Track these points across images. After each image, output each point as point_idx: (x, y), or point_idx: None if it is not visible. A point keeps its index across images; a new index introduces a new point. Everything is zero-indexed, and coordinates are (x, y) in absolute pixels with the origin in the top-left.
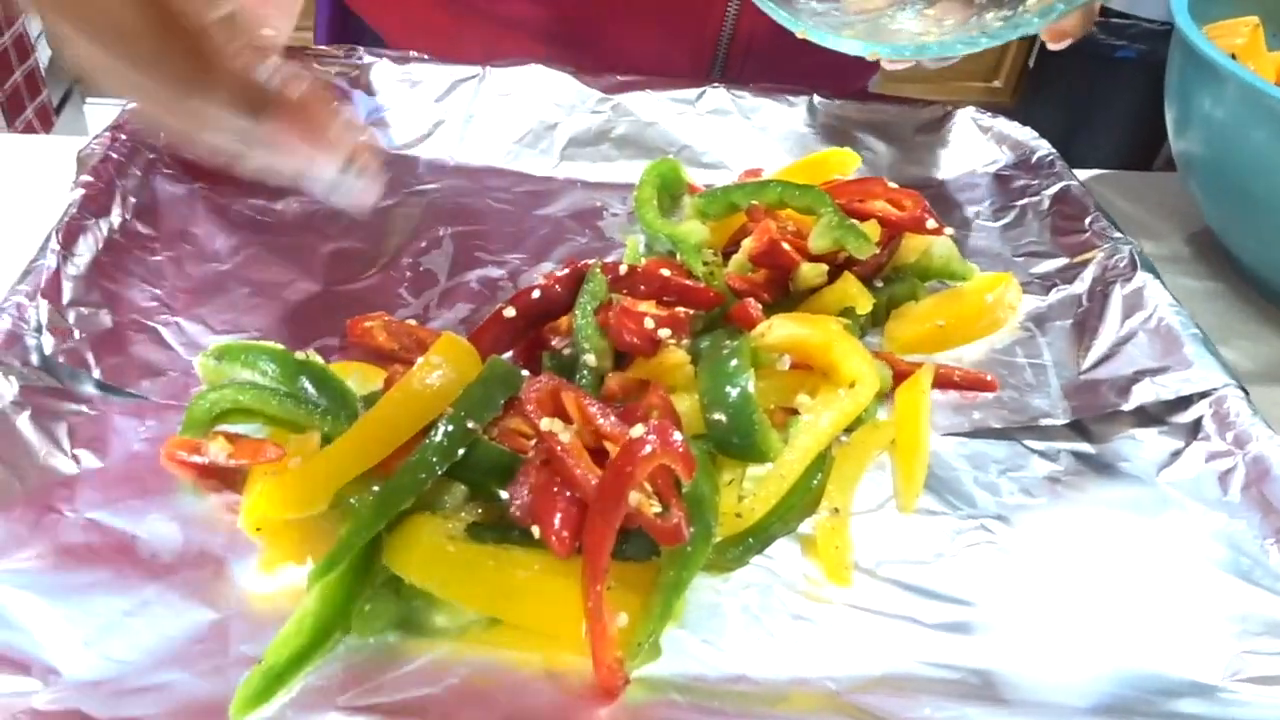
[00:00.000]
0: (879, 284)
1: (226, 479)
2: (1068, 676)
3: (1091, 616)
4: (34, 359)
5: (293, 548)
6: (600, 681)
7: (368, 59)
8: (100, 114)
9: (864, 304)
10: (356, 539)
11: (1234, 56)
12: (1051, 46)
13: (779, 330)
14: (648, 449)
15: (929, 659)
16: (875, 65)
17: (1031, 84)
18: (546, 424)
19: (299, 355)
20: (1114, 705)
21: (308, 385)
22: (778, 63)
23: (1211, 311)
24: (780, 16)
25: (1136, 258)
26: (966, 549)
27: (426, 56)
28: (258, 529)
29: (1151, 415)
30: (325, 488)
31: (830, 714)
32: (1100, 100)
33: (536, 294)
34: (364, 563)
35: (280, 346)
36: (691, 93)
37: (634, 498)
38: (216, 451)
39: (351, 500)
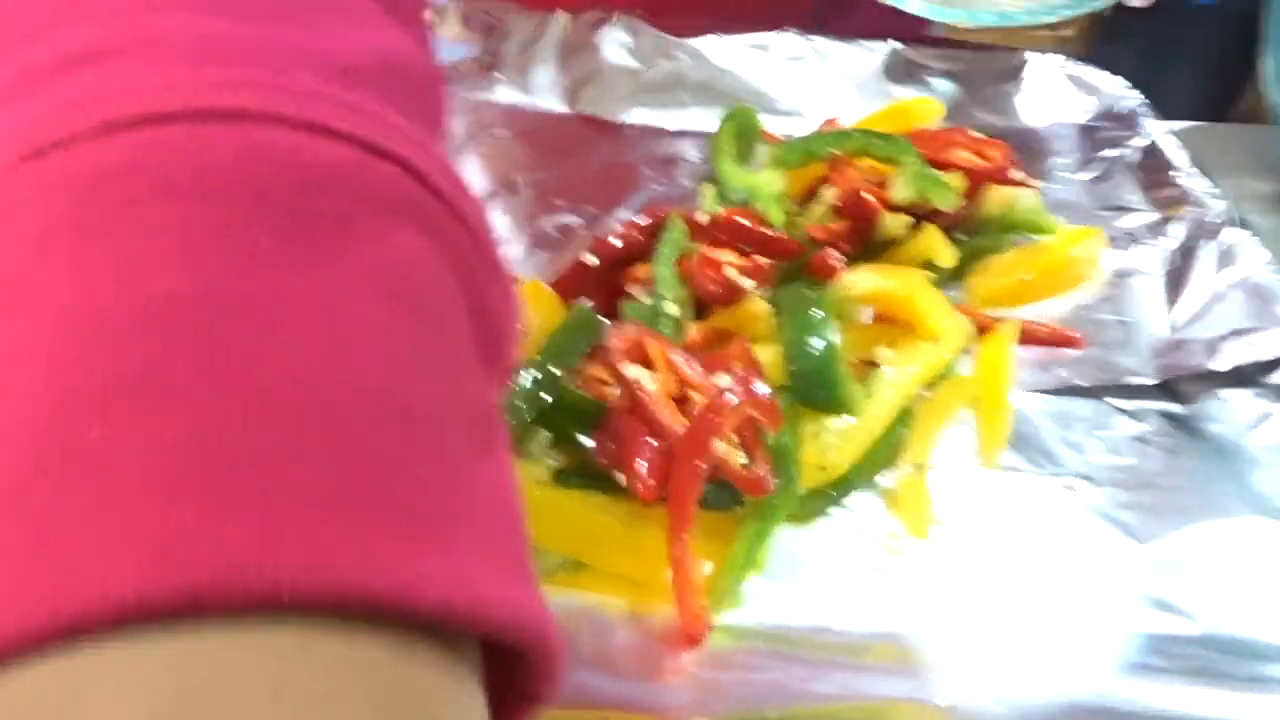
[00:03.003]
0: (962, 237)
1: None
2: (1153, 639)
3: (1179, 580)
4: None
5: None
6: (684, 627)
7: (438, 3)
8: None
9: (947, 257)
10: None
11: None
12: (1136, 2)
13: (861, 282)
14: (733, 399)
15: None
16: None
17: (1103, 32)
18: (632, 372)
19: None
20: (1205, 669)
21: None
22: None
23: None
24: None
25: (1231, 213)
26: (1050, 507)
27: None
28: None
29: (1244, 376)
30: None
31: (913, 668)
32: (1175, 50)
33: (616, 242)
34: None
35: None
36: (766, 38)
37: (719, 448)
38: None
39: None
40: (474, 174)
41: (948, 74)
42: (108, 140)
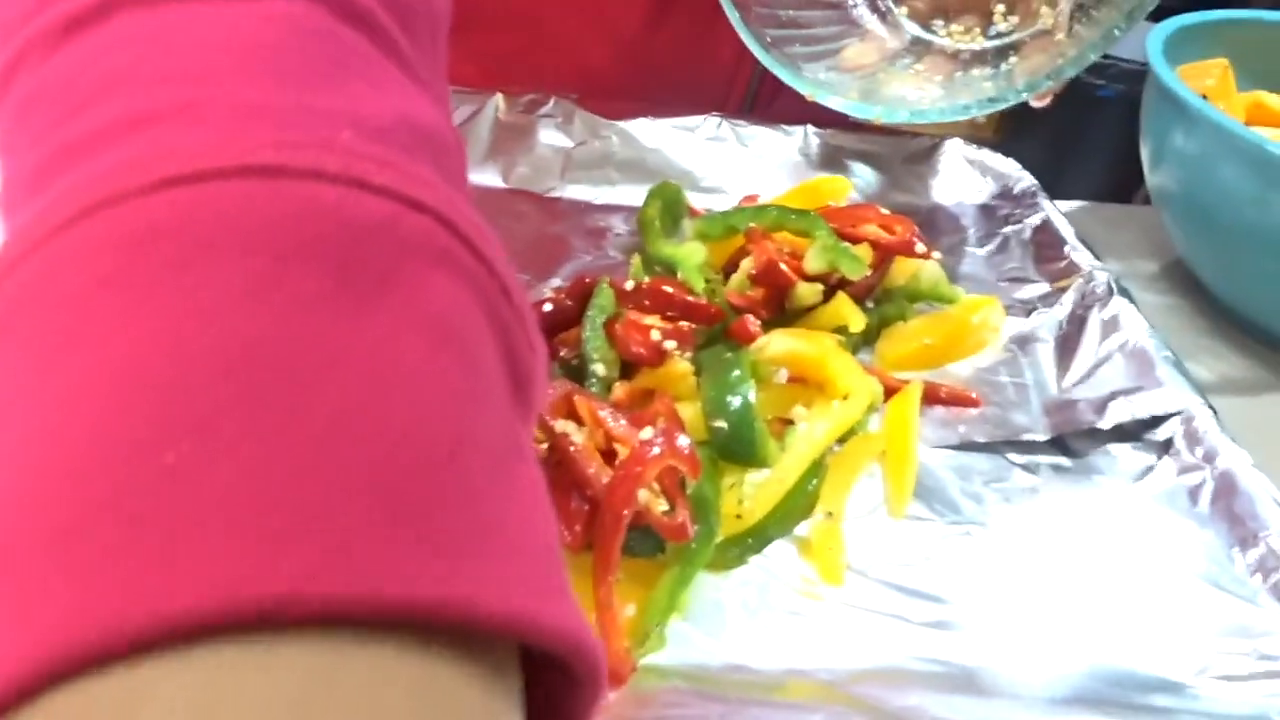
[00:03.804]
0: (870, 304)
1: None
2: (1045, 671)
3: (1068, 616)
4: None
5: None
6: (609, 668)
7: None
8: None
9: (856, 322)
10: None
11: (1205, 97)
12: (1036, 105)
13: (777, 345)
14: (656, 450)
15: (916, 653)
16: None
17: (1013, 120)
18: (560, 425)
19: None
20: (1088, 698)
21: None
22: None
23: (1182, 333)
24: (788, 77)
25: (1113, 284)
26: (952, 553)
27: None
28: None
29: (1126, 432)
30: None
31: (824, 702)
32: (1081, 137)
33: (547, 307)
34: None
35: None
36: (692, 121)
37: (642, 496)
38: None
39: None
40: None
41: (862, 156)
42: (155, 197)
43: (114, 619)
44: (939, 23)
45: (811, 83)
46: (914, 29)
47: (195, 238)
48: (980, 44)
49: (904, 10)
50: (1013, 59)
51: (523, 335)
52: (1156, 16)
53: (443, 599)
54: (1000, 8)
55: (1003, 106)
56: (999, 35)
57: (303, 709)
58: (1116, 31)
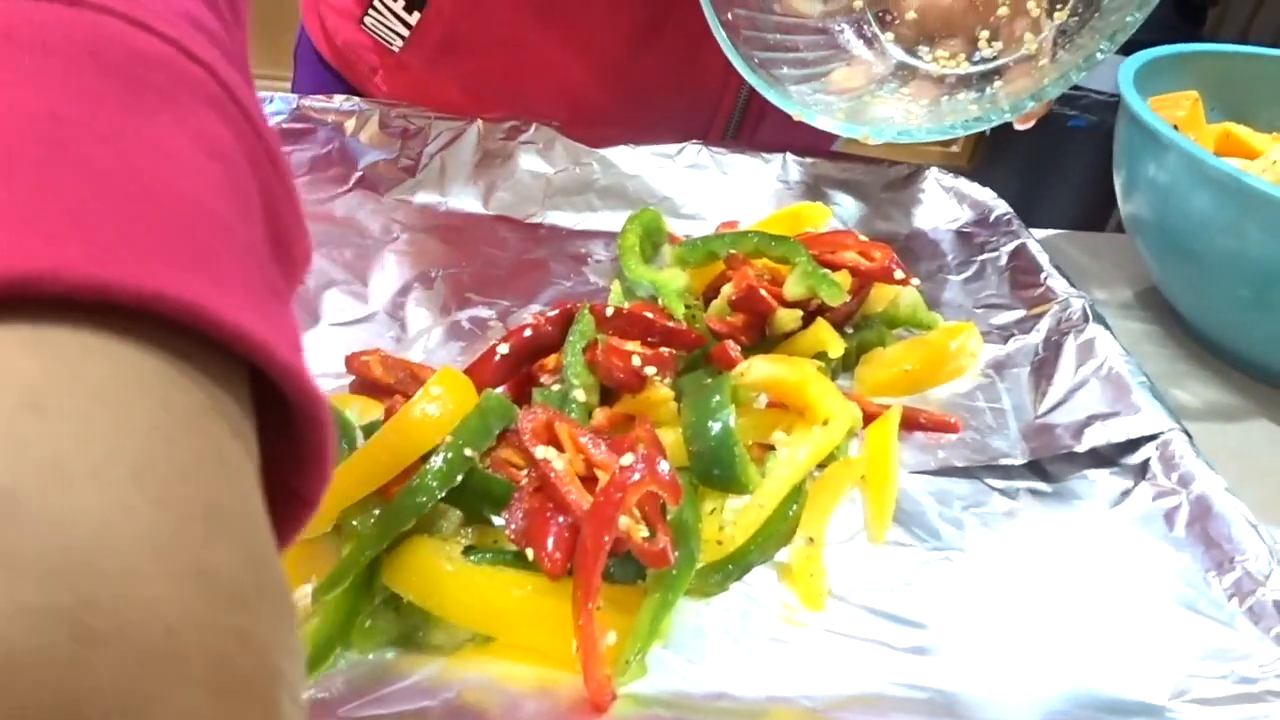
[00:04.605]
0: (850, 330)
1: None
2: (1023, 695)
3: (1046, 641)
4: None
5: (294, 568)
6: (590, 696)
7: (359, 108)
8: None
9: (836, 348)
10: (359, 558)
11: (1176, 127)
12: (1019, 127)
13: (757, 370)
14: (637, 476)
15: (897, 679)
16: None
17: (988, 150)
18: (541, 451)
19: None
20: None
21: None
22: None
23: (1157, 358)
24: (775, 98)
25: (1088, 310)
26: (932, 578)
27: (418, 109)
28: None
29: (1103, 457)
30: (328, 511)
31: None
32: (1054, 166)
33: (528, 332)
34: (365, 582)
35: None
36: (671, 149)
37: (623, 522)
38: None
39: (353, 523)
40: (391, 268)
41: (841, 184)
42: None
43: None
44: (924, 48)
45: (799, 103)
46: (900, 54)
47: (4, 36)
48: (965, 69)
49: (890, 36)
50: (997, 83)
51: (290, 207)
52: (1128, 49)
53: (183, 298)
54: (985, 34)
55: (987, 126)
56: (983, 60)
57: (46, 381)
58: (1099, 54)
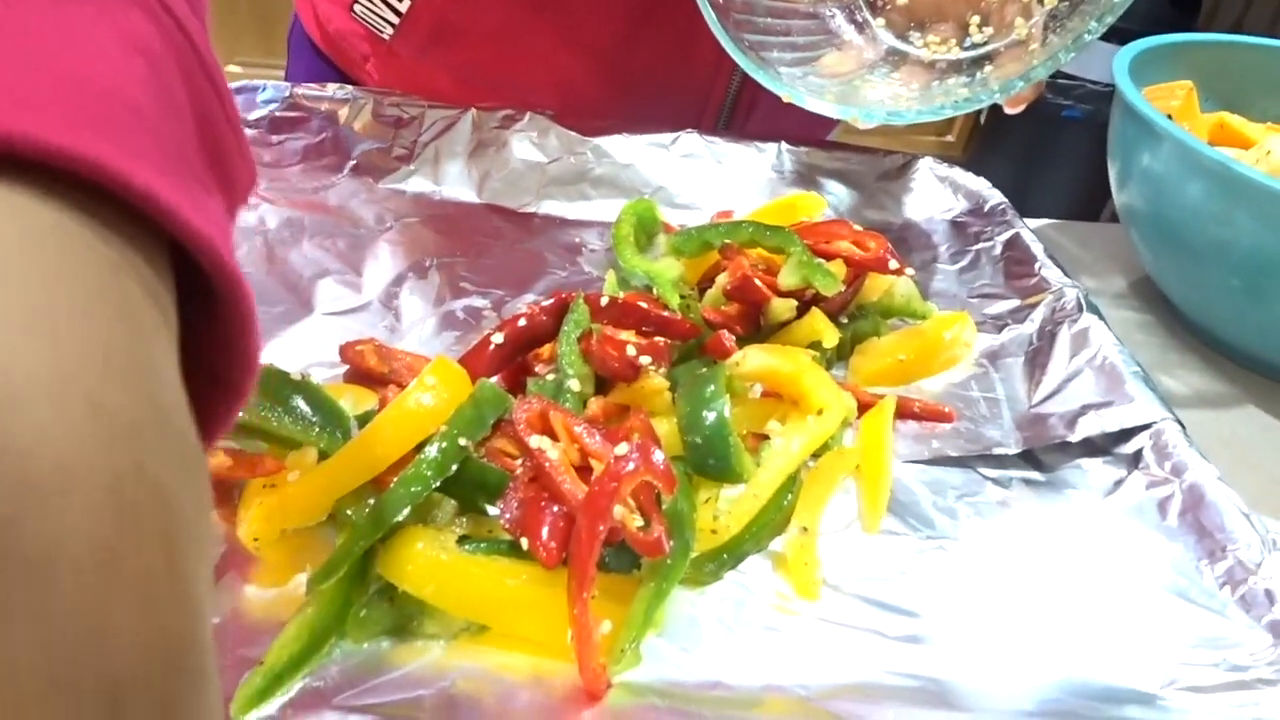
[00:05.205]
0: (844, 320)
1: (224, 492)
2: (1016, 684)
3: (1039, 630)
4: None
5: (288, 558)
6: (584, 685)
7: (352, 96)
8: None
9: (830, 338)
10: (354, 548)
11: (1170, 117)
12: (1009, 110)
13: (752, 360)
14: (631, 465)
15: (891, 668)
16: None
17: (983, 140)
18: (535, 441)
19: (294, 375)
20: (1060, 710)
21: (302, 404)
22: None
23: (1150, 347)
24: (766, 80)
25: (1082, 300)
26: (925, 567)
27: (411, 97)
28: (255, 540)
29: (1096, 446)
30: (323, 501)
31: (800, 718)
32: (1048, 156)
33: (523, 322)
34: (360, 571)
35: (276, 366)
36: (666, 138)
37: (618, 511)
38: (216, 465)
39: (348, 512)
40: (385, 258)
41: (836, 173)
42: None
43: None
44: (915, 34)
45: (789, 86)
46: (891, 40)
47: None
48: (956, 54)
49: (881, 21)
50: (988, 68)
51: (230, 132)
52: (1122, 39)
53: (89, 154)
54: (975, 19)
55: (977, 107)
56: (974, 46)
57: None
58: (1087, 35)
